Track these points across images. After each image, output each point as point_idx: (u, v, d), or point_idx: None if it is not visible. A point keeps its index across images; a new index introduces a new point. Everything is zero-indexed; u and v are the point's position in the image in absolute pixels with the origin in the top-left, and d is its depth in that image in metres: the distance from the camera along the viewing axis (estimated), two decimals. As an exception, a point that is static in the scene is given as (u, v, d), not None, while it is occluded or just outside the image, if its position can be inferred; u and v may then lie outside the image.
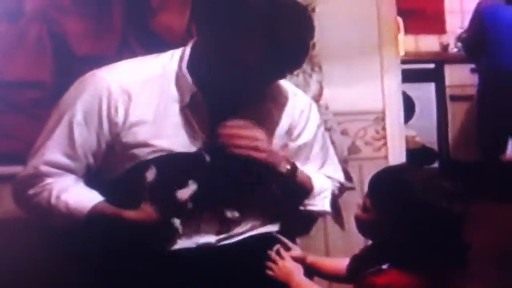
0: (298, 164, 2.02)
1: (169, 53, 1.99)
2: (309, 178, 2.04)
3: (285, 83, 2.11)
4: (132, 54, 2.35)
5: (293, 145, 2.05)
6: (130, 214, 1.82)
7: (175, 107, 1.91)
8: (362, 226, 1.78)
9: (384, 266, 1.73)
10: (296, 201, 2.03)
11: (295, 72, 2.46)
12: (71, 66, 2.40)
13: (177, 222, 1.84)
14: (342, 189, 2.22)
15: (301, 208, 2.04)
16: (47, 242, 2.13)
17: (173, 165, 1.87)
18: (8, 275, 2.28)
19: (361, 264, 1.79)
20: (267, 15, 1.77)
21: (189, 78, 1.90)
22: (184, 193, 1.82)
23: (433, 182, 1.69)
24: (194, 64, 1.91)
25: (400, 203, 1.66)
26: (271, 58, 1.78)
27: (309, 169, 2.07)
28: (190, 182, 1.83)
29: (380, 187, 1.75)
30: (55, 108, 1.96)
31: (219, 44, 1.80)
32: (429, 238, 1.65)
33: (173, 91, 1.91)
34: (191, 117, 1.91)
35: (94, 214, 1.84)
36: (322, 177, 2.11)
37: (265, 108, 1.99)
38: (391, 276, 1.68)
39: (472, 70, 5.58)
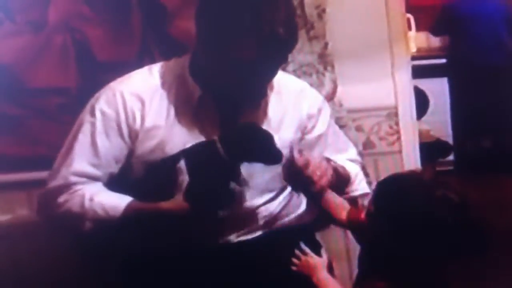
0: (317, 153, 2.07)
1: (176, 59, 2.04)
2: (343, 168, 2.09)
3: (291, 79, 2.17)
4: (152, 59, 2.42)
5: (308, 137, 2.09)
6: (167, 204, 1.85)
7: (185, 111, 1.95)
8: (363, 229, 1.81)
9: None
10: (338, 192, 2.05)
11: (308, 72, 2.52)
12: (95, 72, 2.45)
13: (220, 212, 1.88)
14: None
15: (345, 196, 2.07)
16: (73, 244, 2.19)
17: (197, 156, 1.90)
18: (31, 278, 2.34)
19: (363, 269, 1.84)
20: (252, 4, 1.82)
21: (193, 82, 1.94)
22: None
23: (437, 193, 1.69)
24: (196, 67, 1.95)
25: (402, 214, 1.67)
26: (267, 44, 1.80)
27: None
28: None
29: (384, 195, 1.76)
30: (77, 120, 2.00)
31: (215, 42, 1.84)
32: (431, 250, 1.66)
33: (181, 96, 1.96)
34: (201, 119, 1.95)
35: (130, 211, 1.88)
36: (349, 162, 2.16)
37: (269, 102, 2.01)
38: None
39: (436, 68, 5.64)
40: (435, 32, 5.84)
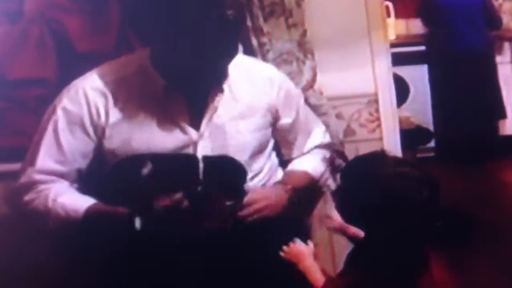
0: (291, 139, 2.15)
1: (139, 50, 2.06)
2: (305, 173, 2.14)
3: (261, 65, 2.22)
4: (130, 48, 2.42)
5: (283, 121, 2.13)
6: (125, 210, 1.85)
7: (151, 103, 1.96)
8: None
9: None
10: (313, 195, 2.15)
11: (289, 60, 2.52)
12: (73, 62, 2.44)
13: (137, 222, 1.83)
14: (338, 146, 2.35)
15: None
16: (45, 241, 2.18)
17: (167, 165, 1.91)
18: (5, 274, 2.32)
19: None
20: None
21: (156, 72, 1.95)
22: (163, 201, 1.82)
23: (401, 170, 1.72)
24: (157, 57, 1.96)
25: (369, 193, 1.70)
26: (218, 27, 1.84)
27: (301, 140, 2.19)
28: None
29: (349, 177, 1.79)
30: (43, 119, 2.02)
31: (165, 33, 1.87)
32: (399, 227, 1.68)
33: (146, 88, 1.96)
34: (168, 109, 1.96)
35: (91, 214, 1.90)
36: (313, 161, 2.19)
37: (236, 87, 2.04)
38: (350, 278, 1.76)
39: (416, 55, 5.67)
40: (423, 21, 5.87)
